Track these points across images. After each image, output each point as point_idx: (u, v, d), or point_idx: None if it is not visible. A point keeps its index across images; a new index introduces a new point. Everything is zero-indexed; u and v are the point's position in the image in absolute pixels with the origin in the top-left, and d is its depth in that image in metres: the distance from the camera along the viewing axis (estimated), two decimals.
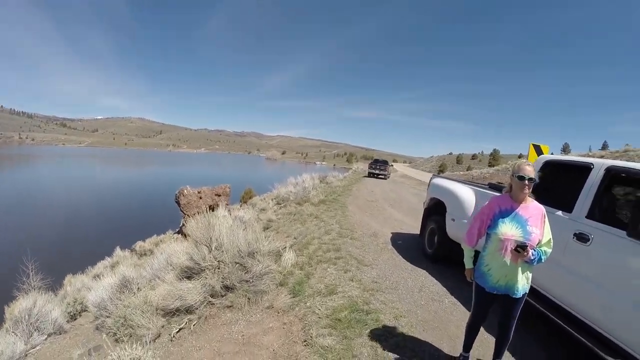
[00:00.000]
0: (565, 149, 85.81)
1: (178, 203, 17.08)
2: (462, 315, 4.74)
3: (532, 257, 2.89)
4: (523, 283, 3.05)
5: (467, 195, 6.24)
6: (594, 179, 3.93)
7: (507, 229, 2.97)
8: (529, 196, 3.05)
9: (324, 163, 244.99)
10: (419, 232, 8.01)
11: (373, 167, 32.57)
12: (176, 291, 4.90)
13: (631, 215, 3.20)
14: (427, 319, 4.55)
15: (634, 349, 3.05)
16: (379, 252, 7.16)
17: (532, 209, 3.02)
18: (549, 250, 3.03)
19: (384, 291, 5.21)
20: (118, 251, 16.30)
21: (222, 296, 5.05)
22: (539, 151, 8.73)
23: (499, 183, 7.34)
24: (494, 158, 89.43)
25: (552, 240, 3.04)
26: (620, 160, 5.56)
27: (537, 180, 2.99)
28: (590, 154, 31.17)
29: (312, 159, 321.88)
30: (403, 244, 8.00)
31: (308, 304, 4.72)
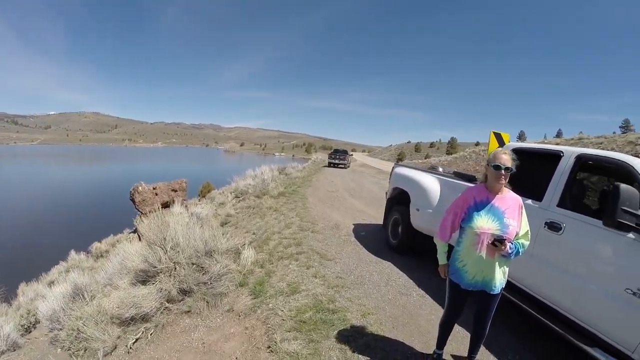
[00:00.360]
0: (521, 137, 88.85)
1: (133, 200, 16.32)
2: (431, 308, 4.60)
3: (510, 251, 2.70)
4: (500, 278, 2.87)
5: (431, 184, 6.08)
6: (564, 167, 3.86)
7: (483, 222, 2.76)
8: (505, 186, 2.85)
9: (283, 154, 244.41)
10: (381, 223, 7.83)
11: (333, 157, 33.28)
12: (130, 298, 4.47)
13: (609, 205, 3.05)
14: (396, 314, 4.35)
15: (607, 335, 3.08)
16: (342, 245, 6.93)
17: (509, 199, 2.83)
18: (527, 243, 2.86)
19: (349, 287, 4.98)
20: (73, 255, 15.32)
21: (180, 301, 4.67)
22: (499, 139, 8.69)
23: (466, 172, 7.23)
24: (452, 146, 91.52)
25: (529, 232, 2.88)
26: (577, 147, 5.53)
27: (514, 170, 2.77)
28: (545, 141, 32.17)
29: (271, 150, 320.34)
30: (366, 236, 7.80)
31: (270, 305, 4.42)
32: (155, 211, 6.01)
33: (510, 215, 2.77)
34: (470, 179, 5.58)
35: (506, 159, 2.73)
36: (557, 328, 3.45)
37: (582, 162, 3.81)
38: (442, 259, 3.14)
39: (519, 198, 2.88)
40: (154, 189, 16.86)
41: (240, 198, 13.41)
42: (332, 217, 9.44)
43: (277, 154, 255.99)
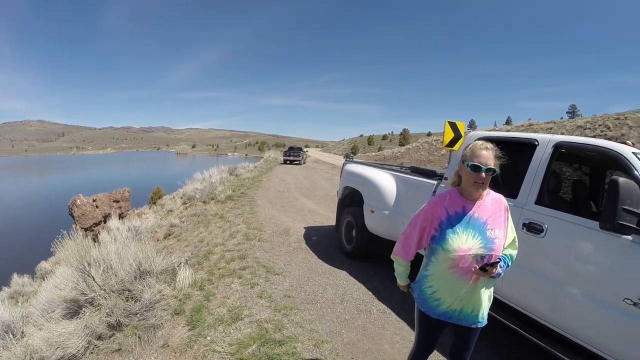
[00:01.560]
0: (472, 125, 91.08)
1: (72, 215, 15.00)
2: (395, 327, 3.99)
3: (501, 271, 2.02)
4: (486, 306, 2.18)
5: (386, 182, 5.48)
6: (540, 158, 3.34)
7: (461, 242, 2.03)
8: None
9: (235, 154, 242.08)
10: (334, 224, 7.15)
11: (288, 154, 34.35)
12: (55, 337, 3.63)
13: (607, 205, 2.51)
14: (355, 340, 3.68)
15: (603, 350, 2.66)
16: (292, 254, 6.20)
17: (490, 204, 2.13)
18: (515, 252, 2.20)
19: (299, 308, 4.26)
20: (16, 278, 13.65)
21: (110, 337, 3.83)
22: (455, 129, 8.24)
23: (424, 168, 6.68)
24: (404, 137, 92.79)
25: (516, 239, 2.21)
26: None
27: (499, 171, 2.07)
28: (496, 128, 32.77)
29: (223, 150, 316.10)
30: (318, 241, 7.13)
31: (209, 338, 3.63)
32: (97, 225, 5.21)
33: (494, 224, 2.08)
34: (429, 174, 5.01)
35: (487, 156, 2.02)
36: (544, 344, 2.98)
37: (562, 152, 3.33)
38: (404, 279, 2.44)
39: (502, 198, 2.19)
40: (94, 201, 15.62)
41: (188, 204, 12.49)
42: (281, 221, 8.69)
43: (229, 154, 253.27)
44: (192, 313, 4.14)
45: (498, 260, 2.00)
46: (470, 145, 2.11)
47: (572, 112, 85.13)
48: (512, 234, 2.17)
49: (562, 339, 2.96)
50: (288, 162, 33.49)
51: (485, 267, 1.95)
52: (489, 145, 2.08)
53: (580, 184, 4.32)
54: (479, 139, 3.60)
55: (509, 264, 2.12)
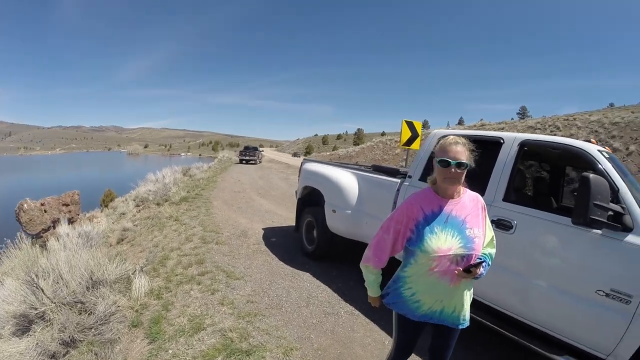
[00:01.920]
0: (425, 125, 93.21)
1: (19, 221, 14.04)
2: (364, 328, 3.90)
3: (483, 272, 1.96)
4: (467, 306, 2.11)
5: (348, 181, 5.36)
6: (506, 156, 3.37)
7: (441, 242, 1.94)
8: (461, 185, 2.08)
9: (189, 154, 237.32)
10: (293, 224, 6.99)
11: (243, 154, 34.89)
12: (6, 359, 3.29)
13: (579, 200, 2.56)
14: (325, 345, 3.56)
15: (579, 341, 2.75)
16: (252, 257, 5.99)
17: (467, 202, 2.05)
18: (494, 252, 2.15)
19: (264, 314, 4.07)
20: None
21: (64, 355, 3.49)
22: (412, 128, 8.31)
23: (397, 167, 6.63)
24: (359, 137, 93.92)
25: (494, 238, 2.16)
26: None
27: (472, 165, 1.98)
28: (449, 127, 33.61)
29: (176, 150, 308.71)
30: (278, 242, 6.96)
31: (170, 351, 3.38)
32: (46, 230, 4.84)
33: (473, 223, 2.01)
34: (392, 173, 4.94)
35: (457, 151, 1.93)
36: (520, 339, 3.01)
37: (526, 149, 3.37)
38: (373, 290, 2.28)
39: (478, 197, 2.12)
40: (42, 205, 14.67)
41: (141, 207, 11.94)
42: (239, 222, 8.44)
43: (183, 154, 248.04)
44: (150, 324, 3.87)
45: (481, 260, 1.93)
46: (442, 142, 2.03)
47: (523, 113, 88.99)
48: (490, 232, 2.12)
49: (537, 333, 2.99)
50: (244, 161, 33.83)
51: (470, 268, 1.87)
52: (460, 140, 2.00)
53: (541, 180, 4.40)
54: (444, 136, 3.57)
55: (489, 262, 2.07)
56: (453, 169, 1.91)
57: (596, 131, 18.88)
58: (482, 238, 2.02)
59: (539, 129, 22.92)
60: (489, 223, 2.13)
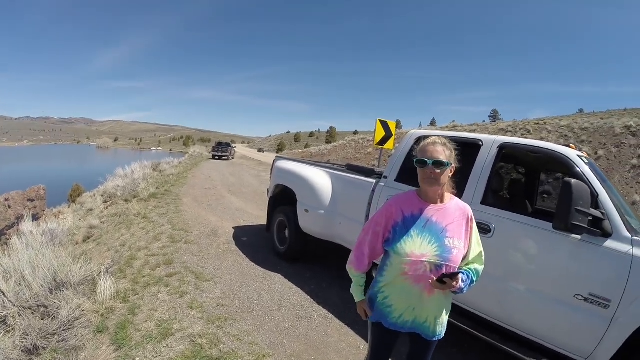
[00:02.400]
0: (398, 125, 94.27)
1: None
2: (339, 332, 3.82)
3: (463, 286, 1.82)
4: (442, 321, 2.00)
5: (321, 180, 5.25)
6: (485, 158, 3.35)
7: (415, 246, 1.86)
8: (447, 191, 1.99)
9: (160, 149, 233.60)
10: (265, 223, 6.78)
11: (216, 150, 35.08)
12: None
13: (561, 206, 2.54)
14: (299, 350, 3.45)
15: (558, 345, 2.78)
16: (221, 257, 5.81)
17: (452, 210, 1.95)
18: (481, 268, 2.00)
19: (234, 318, 3.92)
20: None
21: None
22: (386, 127, 8.26)
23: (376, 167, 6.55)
24: (331, 135, 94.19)
25: (483, 254, 2.02)
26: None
27: (452, 165, 1.90)
28: (422, 128, 34.11)
29: (147, 144, 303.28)
30: (249, 242, 6.78)
31: (137, 359, 3.22)
32: (10, 228, 4.59)
33: (455, 233, 1.91)
34: (367, 172, 4.86)
35: (434, 150, 1.85)
36: (498, 343, 3.01)
37: (505, 152, 3.36)
38: (358, 294, 2.16)
39: (467, 207, 2.01)
40: (6, 200, 14.10)
41: (109, 203, 11.55)
42: (209, 220, 8.22)
43: (153, 148, 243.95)
44: (116, 330, 3.66)
45: (457, 272, 1.80)
46: (421, 144, 1.95)
47: (494, 116, 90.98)
48: (478, 247, 2.00)
49: (516, 337, 3.00)
50: (216, 157, 34.07)
51: (443, 278, 1.75)
52: (438, 139, 1.92)
53: (516, 183, 4.40)
54: (420, 137, 3.51)
55: (474, 279, 1.94)
56: (430, 169, 1.83)
57: (566, 136, 19.42)
58: (463, 251, 1.92)
59: (510, 131, 23.40)
60: (478, 238, 2.01)
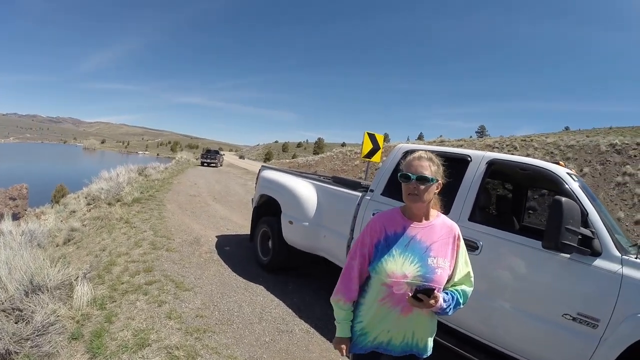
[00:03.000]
0: (386, 138, 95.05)
1: None
2: (320, 347, 3.74)
3: (444, 306, 1.73)
4: (423, 336, 1.88)
5: (306, 192, 5.20)
6: (473, 174, 3.32)
7: (396, 267, 1.75)
8: (434, 208, 1.90)
9: (147, 153, 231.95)
10: (249, 233, 6.67)
11: (205, 157, 36.25)
12: None
13: (551, 224, 2.52)
14: None
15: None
16: (203, 267, 5.69)
17: (438, 229, 1.86)
18: (470, 290, 1.92)
19: (213, 330, 3.82)
20: None
21: None
22: (374, 140, 8.26)
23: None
24: (319, 146, 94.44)
25: (472, 274, 1.93)
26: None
27: (443, 181, 1.83)
28: (409, 142, 34.38)
29: (134, 148, 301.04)
30: (232, 251, 6.67)
31: None
32: None
33: (439, 252, 1.81)
34: (353, 185, 4.81)
35: (419, 165, 1.77)
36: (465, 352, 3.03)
37: (494, 169, 3.33)
38: (343, 329, 1.94)
39: (454, 226, 1.92)
40: None
41: (92, 205, 11.35)
42: (192, 228, 8.09)
43: (140, 152, 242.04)
44: (92, 338, 3.54)
45: (432, 288, 1.67)
46: (407, 158, 1.86)
47: (481, 132, 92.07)
48: (465, 267, 1.91)
49: (503, 356, 2.96)
50: (205, 164, 35.07)
51: (417, 294, 1.64)
52: (424, 154, 1.83)
53: (504, 199, 4.39)
54: (408, 151, 3.47)
55: (460, 301, 1.84)
56: (413, 185, 1.75)
57: (552, 152, 19.70)
58: (448, 271, 1.82)
59: (497, 147, 23.66)
60: (466, 257, 1.93)
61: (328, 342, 3.84)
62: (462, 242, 1.91)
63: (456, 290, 1.85)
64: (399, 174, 1.81)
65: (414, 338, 1.85)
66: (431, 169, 1.77)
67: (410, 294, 1.67)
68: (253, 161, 58.25)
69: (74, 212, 11.33)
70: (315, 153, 70.53)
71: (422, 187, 1.75)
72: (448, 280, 1.85)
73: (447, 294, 1.79)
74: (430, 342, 1.93)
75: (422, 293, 1.63)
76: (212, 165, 35.17)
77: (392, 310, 1.79)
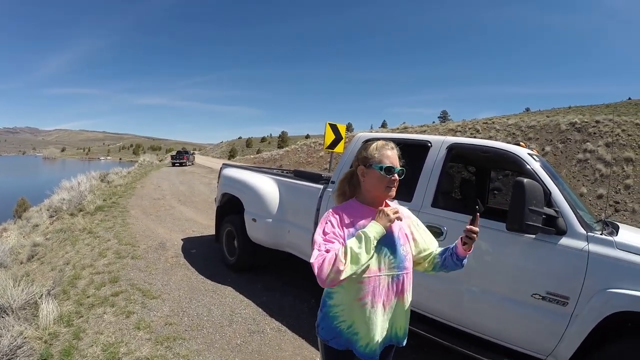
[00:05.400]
0: (349, 128, 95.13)
1: None
2: (293, 345, 3.72)
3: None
4: (403, 327, 1.84)
5: (268, 188, 5.15)
6: (434, 160, 3.33)
7: (372, 261, 1.65)
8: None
9: (109, 158, 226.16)
10: (214, 234, 6.54)
11: (176, 157, 38.79)
12: None
13: (514, 206, 2.53)
14: None
15: (518, 344, 2.79)
16: (170, 272, 5.58)
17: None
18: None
19: (184, 337, 3.75)
20: None
21: None
22: (335, 130, 8.24)
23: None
24: (283, 140, 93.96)
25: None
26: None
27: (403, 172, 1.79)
28: (372, 130, 34.54)
29: (95, 154, 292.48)
30: (198, 254, 6.57)
31: None
32: None
33: (404, 238, 1.79)
34: (315, 178, 4.79)
35: (395, 157, 1.75)
36: (456, 346, 3.00)
37: (455, 153, 3.36)
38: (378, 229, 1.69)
39: (404, 208, 1.93)
40: None
41: (54, 217, 10.95)
42: (157, 233, 7.92)
43: (102, 158, 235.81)
44: (61, 357, 3.41)
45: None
46: (375, 146, 1.78)
47: (444, 117, 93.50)
48: (428, 235, 1.97)
49: (474, 339, 3.00)
50: (177, 164, 37.21)
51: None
52: (393, 144, 1.81)
53: (467, 183, 4.44)
54: (369, 140, 3.45)
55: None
56: (394, 177, 1.72)
57: (514, 134, 20.10)
58: (412, 253, 1.83)
59: (460, 131, 23.99)
60: (422, 226, 1.96)
61: (300, 338, 3.84)
62: (412, 216, 1.95)
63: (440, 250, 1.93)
64: (381, 166, 1.71)
65: (393, 329, 1.80)
66: (399, 161, 1.77)
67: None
68: (218, 159, 57.39)
69: (36, 226, 10.90)
70: (280, 147, 70.22)
71: (400, 178, 1.75)
72: (424, 257, 1.91)
73: (443, 251, 1.90)
74: (407, 330, 1.89)
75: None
76: (184, 164, 37.20)
77: (373, 310, 1.69)
